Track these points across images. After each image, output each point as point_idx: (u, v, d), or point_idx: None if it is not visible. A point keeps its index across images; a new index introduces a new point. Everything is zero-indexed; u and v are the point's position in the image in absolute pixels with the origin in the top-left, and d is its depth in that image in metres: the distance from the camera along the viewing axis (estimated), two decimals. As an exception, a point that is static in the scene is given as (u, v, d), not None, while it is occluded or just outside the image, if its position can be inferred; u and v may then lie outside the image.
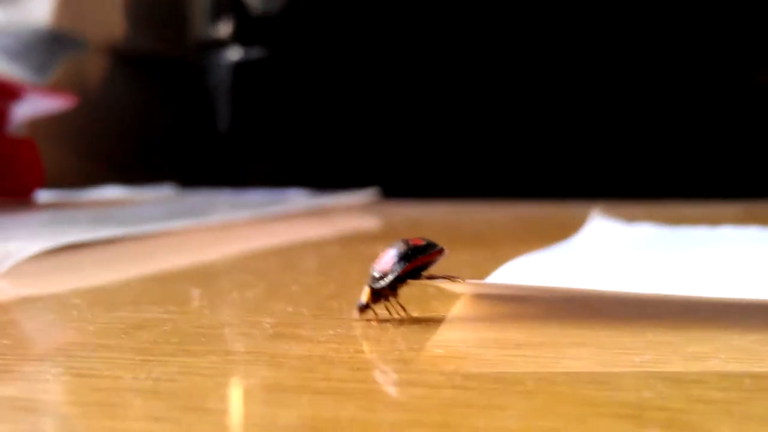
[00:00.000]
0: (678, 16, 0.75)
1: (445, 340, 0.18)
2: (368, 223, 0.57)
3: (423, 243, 0.20)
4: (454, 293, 0.22)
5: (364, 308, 0.19)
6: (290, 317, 0.20)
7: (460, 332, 0.19)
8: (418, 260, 0.19)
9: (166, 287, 0.27)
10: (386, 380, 0.15)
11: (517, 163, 0.80)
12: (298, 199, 0.63)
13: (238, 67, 0.88)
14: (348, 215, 0.61)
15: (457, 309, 0.21)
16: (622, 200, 0.59)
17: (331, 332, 0.18)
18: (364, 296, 0.19)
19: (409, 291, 0.24)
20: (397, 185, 0.76)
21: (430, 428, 0.12)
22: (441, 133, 0.82)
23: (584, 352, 0.16)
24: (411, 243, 0.20)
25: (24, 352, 0.17)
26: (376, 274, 0.19)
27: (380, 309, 0.19)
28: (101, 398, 0.14)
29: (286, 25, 0.87)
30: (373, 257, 0.34)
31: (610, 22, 0.77)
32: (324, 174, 0.84)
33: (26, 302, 0.24)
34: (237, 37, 0.89)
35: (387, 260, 0.19)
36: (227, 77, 0.89)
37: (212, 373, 0.15)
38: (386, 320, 0.19)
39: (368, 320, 0.19)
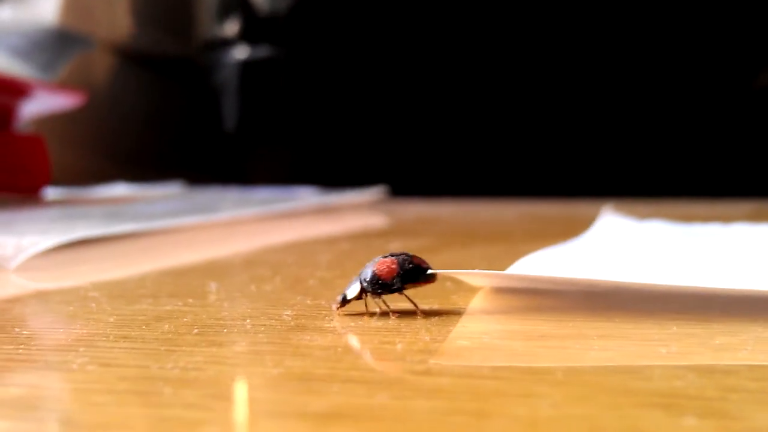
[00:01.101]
0: (688, 14, 0.75)
1: (468, 331, 0.18)
2: (377, 220, 0.57)
3: (425, 266, 0.20)
4: (472, 287, 0.22)
5: (346, 302, 0.19)
6: (310, 309, 0.20)
7: (482, 324, 0.19)
8: (418, 284, 0.19)
9: (182, 281, 0.27)
10: (415, 370, 0.14)
11: (525, 161, 0.80)
12: (306, 196, 0.63)
13: (246, 65, 0.88)
14: (356, 213, 0.61)
15: (477, 302, 0.21)
16: (629, 198, 0.59)
17: (352, 324, 0.18)
18: (353, 293, 0.19)
19: (426, 286, 0.23)
20: (405, 183, 0.76)
21: (468, 416, 0.12)
22: (449, 131, 0.82)
23: (610, 343, 0.16)
24: (414, 261, 0.19)
25: (45, 343, 0.17)
26: (374, 280, 0.19)
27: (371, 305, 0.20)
28: (130, 387, 0.14)
29: (293, 24, 0.87)
30: (386, 253, 0.34)
31: (621, 20, 0.77)
32: (331, 172, 0.84)
33: (43, 295, 0.24)
34: (244, 36, 0.89)
35: (388, 269, 0.19)
36: (234, 76, 0.89)
37: (238, 362, 0.15)
38: (361, 314, 0.19)
39: (346, 314, 0.19)
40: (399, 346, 0.16)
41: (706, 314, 0.19)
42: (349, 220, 0.56)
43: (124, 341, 0.17)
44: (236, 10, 0.90)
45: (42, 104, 0.65)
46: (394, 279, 0.19)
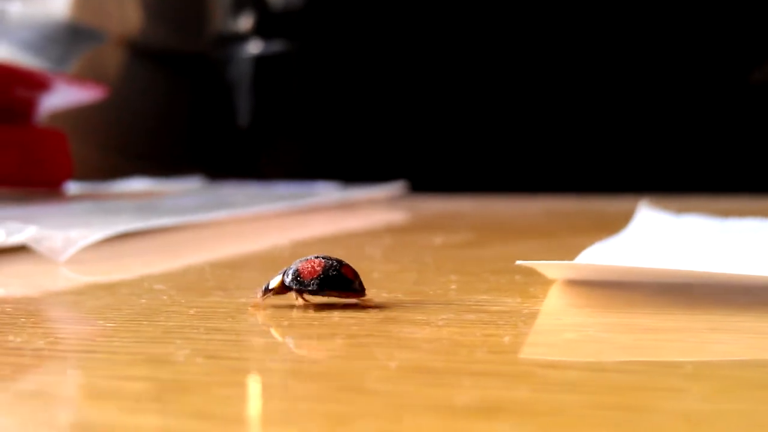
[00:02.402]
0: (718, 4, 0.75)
1: (570, 324, 0.17)
2: (401, 215, 0.56)
3: (351, 278, 0.19)
4: (544, 279, 0.22)
5: (267, 292, 0.19)
6: (391, 302, 0.20)
7: (579, 317, 0.18)
8: (339, 293, 0.19)
9: (241, 274, 0.26)
10: (539, 363, 0.14)
11: (544, 157, 0.79)
12: (327, 191, 0.63)
13: (259, 60, 0.88)
14: (377, 208, 0.60)
15: (556, 294, 0.20)
16: (646, 194, 0.58)
17: (443, 317, 0.18)
18: (275, 284, 0.19)
19: (496, 279, 0.23)
20: (424, 179, 0.76)
21: (616, 410, 0.11)
22: (467, 126, 0.82)
23: (724, 336, 0.16)
24: (342, 271, 0.19)
25: (137, 335, 0.17)
26: (295, 276, 0.19)
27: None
28: (247, 380, 0.13)
29: (307, 18, 0.86)
30: (434, 248, 0.33)
31: (651, 14, 0.76)
32: (346, 167, 0.83)
33: (107, 288, 0.24)
34: (258, 31, 0.88)
35: (311, 269, 0.19)
36: (248, 71, 0.88)
37: (349, 355, 0.15)
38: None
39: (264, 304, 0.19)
40: (506, 339, 0.16)
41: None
42: (374, 215, 0.56)
43: (217, 333, 0.16)
44: (249, 4, 0.89)
45: (62, 98, 0.64)
46: (312, 280, 0.19)
